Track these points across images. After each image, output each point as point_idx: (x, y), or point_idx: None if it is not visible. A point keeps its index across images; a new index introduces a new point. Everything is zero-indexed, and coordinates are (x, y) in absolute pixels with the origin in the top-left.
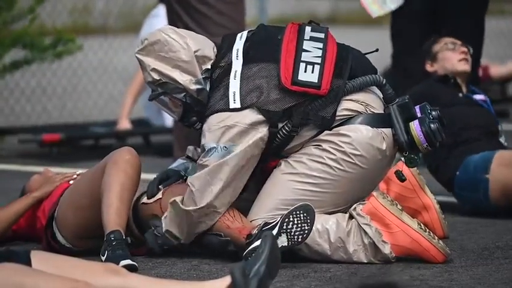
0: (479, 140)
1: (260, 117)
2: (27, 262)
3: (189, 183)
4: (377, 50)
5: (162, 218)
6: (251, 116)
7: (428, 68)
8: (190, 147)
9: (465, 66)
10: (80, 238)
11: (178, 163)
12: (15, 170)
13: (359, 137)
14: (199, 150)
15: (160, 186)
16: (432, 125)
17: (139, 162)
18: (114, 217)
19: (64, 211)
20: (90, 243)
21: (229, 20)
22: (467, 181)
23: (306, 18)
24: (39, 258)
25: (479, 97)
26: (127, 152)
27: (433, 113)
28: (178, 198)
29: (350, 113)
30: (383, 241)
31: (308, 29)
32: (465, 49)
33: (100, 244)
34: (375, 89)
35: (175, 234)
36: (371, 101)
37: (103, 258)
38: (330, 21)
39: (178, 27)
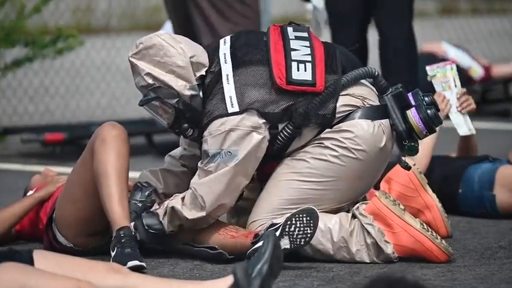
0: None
1: (260, 119)
2: (30, 261)
3: (192, 188)
4: (356, 46)
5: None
6: (251, 118)
7: None
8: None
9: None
10: (81, 235)
11: (139, 193)
12: (18, 170)
13: (361, 132)
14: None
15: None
16: (429, 111)
17: (127, 134)
18: (119, 210)
19: (61, 209)
20: (92, 241)
21: (250, 10)
22: (473, 199)
23: (308, 18)
24: (41, 257)
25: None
26: (112, 127)
27: (426, 98)
28: (178, 204)
29: (349, 108)
30: (385, 241)
31: (290, 29)
32: None
33: (102, 242)
34: (366, 81)
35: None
36: (367, 93)
37: (112, 253)
38: None
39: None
